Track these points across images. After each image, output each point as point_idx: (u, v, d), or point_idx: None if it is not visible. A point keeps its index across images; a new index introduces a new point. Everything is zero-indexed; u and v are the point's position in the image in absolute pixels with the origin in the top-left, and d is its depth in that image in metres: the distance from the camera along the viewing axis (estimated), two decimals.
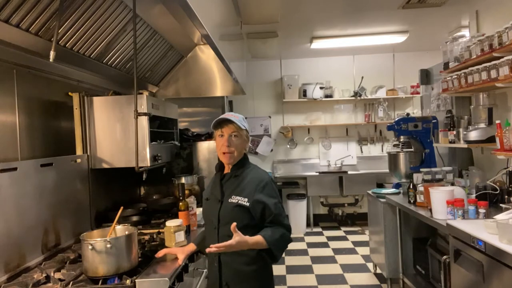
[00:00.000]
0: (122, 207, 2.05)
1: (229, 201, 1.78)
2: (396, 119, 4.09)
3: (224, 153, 1.80)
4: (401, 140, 3.99)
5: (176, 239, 2.08)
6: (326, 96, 6.53)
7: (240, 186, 1.79)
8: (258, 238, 1.68)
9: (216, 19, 2.54)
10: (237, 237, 1.62)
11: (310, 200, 6.42)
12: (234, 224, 1.64)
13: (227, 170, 1.88)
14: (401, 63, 6.71)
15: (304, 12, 4.35)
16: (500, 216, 2.22)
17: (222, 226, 1.78)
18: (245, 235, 1.66)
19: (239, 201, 1.75)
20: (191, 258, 2.15)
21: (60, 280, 1.76)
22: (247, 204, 1.74)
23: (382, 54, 6.66)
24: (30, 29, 1.94)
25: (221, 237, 1.75)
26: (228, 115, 1.83)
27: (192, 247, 2.04)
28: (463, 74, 3.13)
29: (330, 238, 5.87)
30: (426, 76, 4.43)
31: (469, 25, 3.87)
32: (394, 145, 4.06)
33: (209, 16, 2.17)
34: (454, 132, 3.41)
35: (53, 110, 2.44)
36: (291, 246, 5.48)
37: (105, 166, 2.59)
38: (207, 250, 1.66)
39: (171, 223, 2.11)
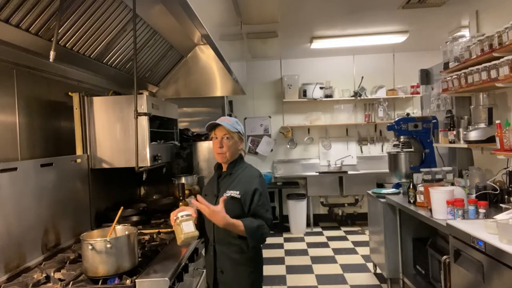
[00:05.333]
0: (122, 207, 2.05)
1: (224, 195, 1.94)
2: (396, 119, 4.09)
3: (218, 153, 2.00)
4: (401, 140, 3.99)
5: (184, 230, 1.84)
6: (326, 96, 6.53)
7: (233, 182, 1.99)
8: (237, 221, 1.85)
9: (216, 19, 2.54)
10: (220, 207, 1.81)
11: (310, 200, 6.41)
12: (224, 197, 1.86)
13: (224, 169, 2.07)
14: (401, 63, 6.70)
15: (304, 12, 4.35)
16: (500, 216, 2.22)
17: None
18: None
19: (231, 194, 1.93)
20: (191, 258, 2.15)
21: (60, 280, 1.76)
22: (239, 196, 1.92)
23: (382, 54, 6.65)
24: (30, 29, 1.94)
25: (217, 228, 1.94)
26: (221, 119, 2.02)
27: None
28: (463, 74, 3.13)
29: (330, 238, 5.87)
30: (426, 76, 4.43)
31: (469, 25, 3.87)
32: (394, 145, 4.06)
33: (209, 16, 2.17)
34: (454, 132, 3.40)
35: (53, 110, 2.43)
36: (291, 246, 5.53)
37: (105, 166, 2.59)
38: (193, 201, 1.89)
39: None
